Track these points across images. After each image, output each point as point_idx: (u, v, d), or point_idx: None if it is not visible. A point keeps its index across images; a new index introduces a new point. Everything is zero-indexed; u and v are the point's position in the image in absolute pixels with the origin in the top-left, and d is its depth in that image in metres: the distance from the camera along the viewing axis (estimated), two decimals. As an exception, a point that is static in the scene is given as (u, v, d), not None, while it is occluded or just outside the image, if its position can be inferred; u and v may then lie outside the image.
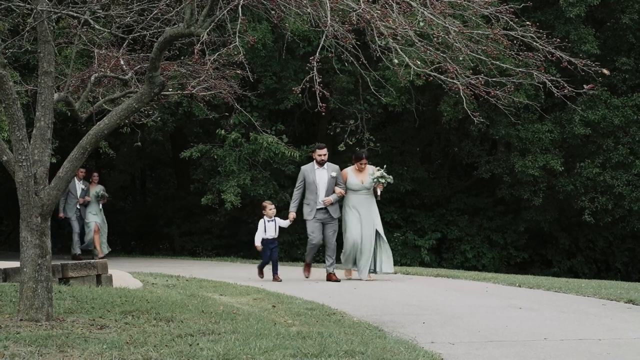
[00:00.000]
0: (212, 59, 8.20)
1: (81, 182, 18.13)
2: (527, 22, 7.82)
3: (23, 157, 7.19)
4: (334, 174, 12.82)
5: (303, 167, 13.05)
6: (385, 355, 6.22)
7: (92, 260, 10.27)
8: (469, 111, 8.21)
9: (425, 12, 7.11)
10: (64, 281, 9.68)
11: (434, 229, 22.08)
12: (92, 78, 8.90)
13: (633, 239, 22.62)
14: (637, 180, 20.51)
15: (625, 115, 20.22)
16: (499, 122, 19.91)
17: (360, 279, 12.75)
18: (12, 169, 7.25)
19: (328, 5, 6.96)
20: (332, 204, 12.79)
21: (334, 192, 12.83)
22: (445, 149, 24.46)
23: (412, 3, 7.19)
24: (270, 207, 12.85)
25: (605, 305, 10.05)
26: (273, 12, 8.23)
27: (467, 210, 22.63)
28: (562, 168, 20.00)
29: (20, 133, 7.21)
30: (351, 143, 20.06)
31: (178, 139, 23.59)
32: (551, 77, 7.72)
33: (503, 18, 7.55)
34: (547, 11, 20.04)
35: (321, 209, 12.74)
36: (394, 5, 7.02)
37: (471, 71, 7.99)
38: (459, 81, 7.51)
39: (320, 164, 12.82)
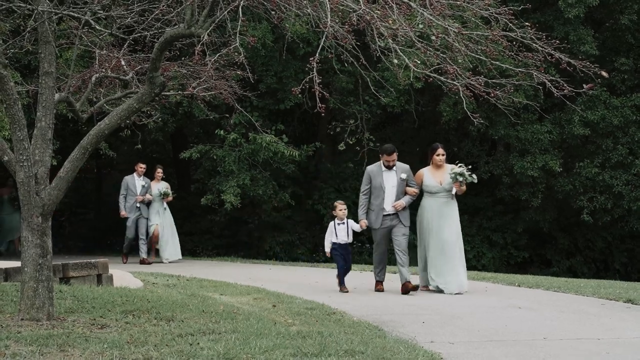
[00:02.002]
0: (213, 59, 8.23)
1: (141, 178, 16.77)
2: (526, 23, 7.84)
3: (24, 157, 7.22)
4: (404, 176, 11.28)
5: (369, 168, 11.44)
6: (385, 354, 6.25)
7: (93, 260, 10.29)
8: (468, 112, 8.24)
9: (424, 13, 7.13)
10: (65, 281, 9.70)
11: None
12: (93, 78, 8.93)
13: (632, 239, 22.63)
14: (636, 180, 20.52)
15: (625, 116, 20.24)
16: (499, 122, 19.93)
17: (445, 292, 11.12)
18: (13, 169, 7.28)
19: (328, 6, 6.98)
20: (404, 208, 11.28)
21: (406, 194, 11.34)
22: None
23: (412, 4, 7.22)
24: (340, 208, 11.37)
25: (604, 304, 10.07)
26: (273, 12, 8.26)
27: (466, 210, 22.62)
28: (561, 169, 20.01)
29: (21, 133, 7.24)
30: (351, 143, 20.09)
31: (178, 139, 23.60)
32: (551, 78, 7.74)
33: (502, 19, 7.57)
34: (546, 12, 20.06)
35: (388, 215, 11.21)
36: (394, 6, 7.04)
37: (471, 72, 8.02)
38: (458, 82, 7.53)
39: (387, 167, 11.30)
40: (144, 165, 16.89)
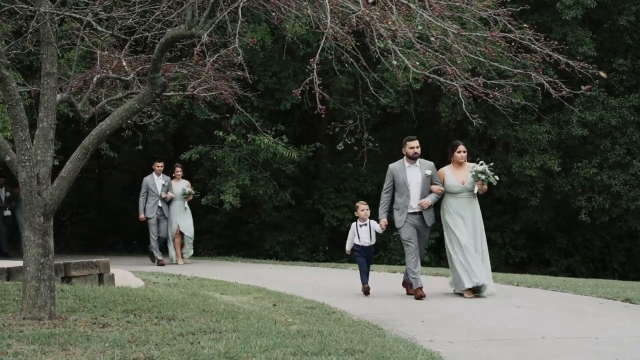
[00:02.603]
0: (212, 60, 8.26)
1: (160, 176, 16.38)
2: (525, 25, 7.88)
3: (26, 158, 7.26)
4: (428, 172, 10.64)
5: (391, 166, 10.78)
6: (384, 353, 6.28)
7: (95, 260, 10.34)
8: (467, 112, 8.27)
9: (424, 14, 7.17)
10: (67, 280, 9.74)
11: (433, 228, 22.08)
12: (95, 79, 8.97)
13: (630, 239, 22.67)
14: (634, 180, 20.57)
15: (623, 116, 20.28)
16: (497, 122, 19.97)
17: (480, 295, 10.56)
18: (15, 169, 7.32)
19: (328, 7, 7.02)
20: (429, 206, 10.68)
21: (430, 192, 10.74)
22: (444, 150, 24.48)
23: (411, 5, 7.25)
24: (362, 208, 11.05)
25: (602, 304, 10.10)
26: (273, 13, 8.30)
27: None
28: (559, 168, 20.05)
29: (23, 134, 7.28)
30: (350, 143, 20.12)
31: (179, 139, 23.63)
32: (549, 79, 7.78)
33: (501, 21, 7.61)
34: (544, 13, 20.09)
35: (414, 213, 10.60)
36: (394, 7, 7.08)
37: (469, 73, 8.05)
38: (457, 83, 7.57)
39: (413, 159, 10.63)
40: (161, 164, 16.49)
